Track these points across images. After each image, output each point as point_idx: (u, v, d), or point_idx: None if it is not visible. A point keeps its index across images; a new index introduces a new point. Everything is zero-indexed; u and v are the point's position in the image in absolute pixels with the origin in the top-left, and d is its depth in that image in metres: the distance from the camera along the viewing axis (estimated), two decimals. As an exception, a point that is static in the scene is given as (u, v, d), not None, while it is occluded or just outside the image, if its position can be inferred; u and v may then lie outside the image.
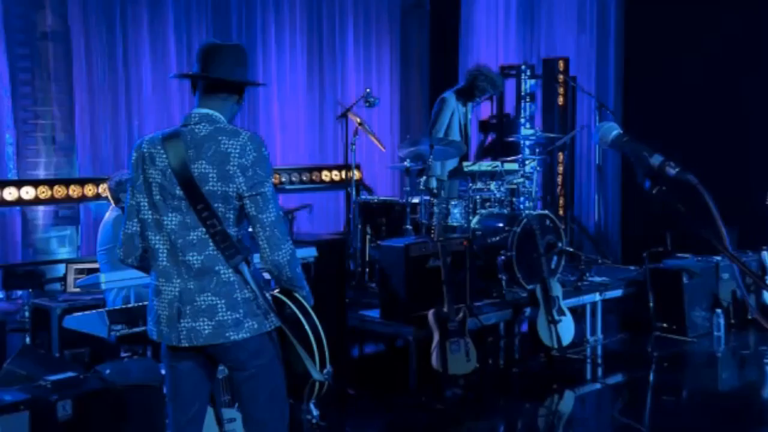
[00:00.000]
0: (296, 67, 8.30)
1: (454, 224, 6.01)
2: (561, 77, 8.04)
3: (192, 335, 2.51)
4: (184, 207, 2.50)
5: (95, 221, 6.67)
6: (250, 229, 2.57)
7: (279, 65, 8.15)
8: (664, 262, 6.41)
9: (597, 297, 6.20)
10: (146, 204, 2.56)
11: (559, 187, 8.02)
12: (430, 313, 4.91)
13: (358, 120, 6.83)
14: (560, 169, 8.05)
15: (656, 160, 1.95)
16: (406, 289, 5.13)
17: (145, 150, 2.56)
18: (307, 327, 2.67)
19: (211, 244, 2.50)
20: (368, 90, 6.91)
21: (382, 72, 9.06)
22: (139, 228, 2.59)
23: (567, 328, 5.48)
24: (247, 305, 2.53)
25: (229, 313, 2.51)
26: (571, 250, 6.73)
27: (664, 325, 6.21)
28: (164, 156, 2.52)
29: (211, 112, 2.57)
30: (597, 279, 6.54)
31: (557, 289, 5.53)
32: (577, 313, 6.03)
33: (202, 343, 2.53)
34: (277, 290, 2.69)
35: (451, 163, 6.43)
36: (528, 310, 5.62)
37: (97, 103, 6.95)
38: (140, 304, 4.11)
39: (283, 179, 7.90)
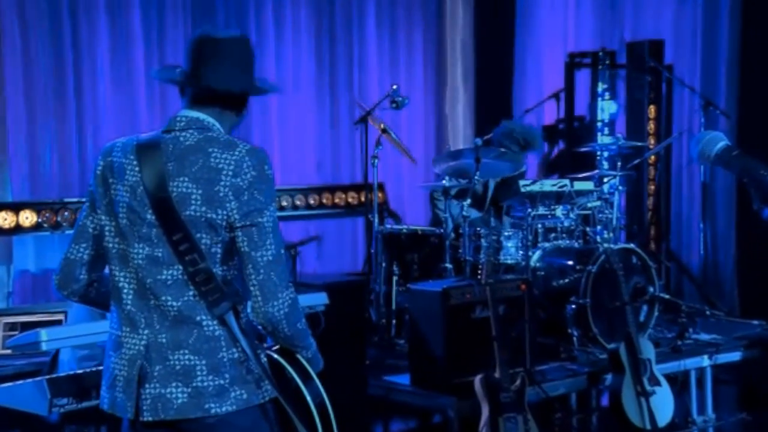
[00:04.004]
0: (301, 58, 8.37)
1: (509, 262, 6.05)
2: (653, 67, 8.07)
3: (159, 405, 2.54)
4: (155, 236, 2.56)
5: (35, 259, 6.76)
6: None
7: (279, 57, 8.22)
8: (801, 315, 6.37)
9: (705, 361, 6.16)
10: (112, 229, 2.63)
11: (650, 213, 8.03)
12: (478, 380, 4.94)
13: (382, 126, 6.91)
14: (651, 188, 8.07)
15: (778, 180, 1.97)
16: (444, 347, 5.17)
17: (114, 159, 2.63)
18: (309, 399, 2.70)
19: (190, 286, 2.55)
20: (395, 87, 6.99)
21: (413, 63, 9.12)
22: (90, 257, 2.68)
23: (663, 403, 5.46)
24: (235, 368, 2.57)
25: (211, 377, 2.55)
26: (668, 297, 6.72)
27: (806, 402, 6.15)
28: (137, 169, 2.58)
29: (203, 116, 2.63)
30: (704, 337, 6.50)
31: (649, 350, 5.53)
32: (678, 382, 6.01)
33: (173, 417, 2.55)
34: (276, 348, 2.73)
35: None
36: (609, 378, 5.61)
37: (38, 107, 7.01)
38: (95, 369, 4.16)
39: (285, 203, 7.98)
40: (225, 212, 2.53)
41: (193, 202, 2.53)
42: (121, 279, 2.62)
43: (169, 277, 2.57)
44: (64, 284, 2.73)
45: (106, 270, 2.71)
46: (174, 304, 2.56)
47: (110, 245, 2.64)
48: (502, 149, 6.47)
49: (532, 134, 6.77)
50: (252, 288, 2.56)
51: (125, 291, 2.61)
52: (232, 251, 2.59)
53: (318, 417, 2.70)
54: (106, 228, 2.64)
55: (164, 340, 2.57)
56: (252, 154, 2.57)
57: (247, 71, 2.69)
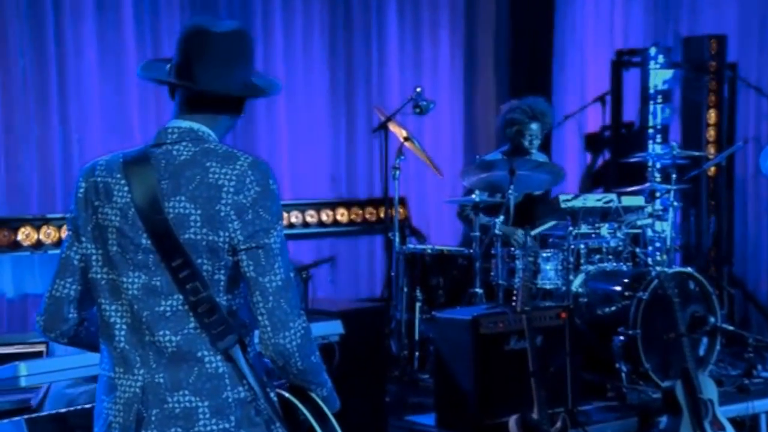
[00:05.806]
0: (312, 58, 8.39)
1: (547, 287, 6.05)
2: (713, 65, 8.07)
3: None
4: (153, 263, 2.57)
5: (12, 283, 6.79)
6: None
7: (287, 55, 8.23)
8: None
9: (777, 403, 6.17)
10: (99, 257, 2.64)
11: (710, 232, 8.00)
12: (512, 421, 4.94)
13: (404, 134, 6.94)
14: (711, 204, 8.05)
15: None
16: (475, 383, 5.19)
17: (98, 179, 2.64)
18: (326, 443, 2.72)
19: (191, 318, 2.57)
20: (419, 90, 7.01)
21: (439, 64, 9.14)
22: (78, 292, 2.69)
23: (728, 452, 5.46)
24: (241, 409, 2.59)
25: (214, 421, 2.56)
26: (731, 328, 6.71)
27: None
28: (126, 189, 2.60)
29: (197, 126, 2.66)
30: (775, 375, 6.51)
31: (710, 389, 5.51)
32: (746, 428, 5.98)
33: None
34: (286, 386, 2.74)
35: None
36: (664, 421, 5.61)
37: (17, 110, 7.03)
38: (83, 406, 4.18)
39: (294, 220, 8.00)
40: (227, 234, 2.55)
41: (192, 224, 2.55)
42: (112, 313, 2.63)
43: (168, 308, 2.58)
44: (51, 326, 2.72)
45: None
46: (172, 338, 2.58)
47: (98, 276, 2.65)
48: (514, 128, 6.56)
49: (536, 100, 6.77)
50: (260, 317, 2.57)
51: (117, 326, 2.62)
52: (237, 278, 2.60)
53: None
54: (93, 257, 2.65)
55: (162, 380, 2.58)
56: (255, 167, 2.59)
57: (244, 65, 2.70)
